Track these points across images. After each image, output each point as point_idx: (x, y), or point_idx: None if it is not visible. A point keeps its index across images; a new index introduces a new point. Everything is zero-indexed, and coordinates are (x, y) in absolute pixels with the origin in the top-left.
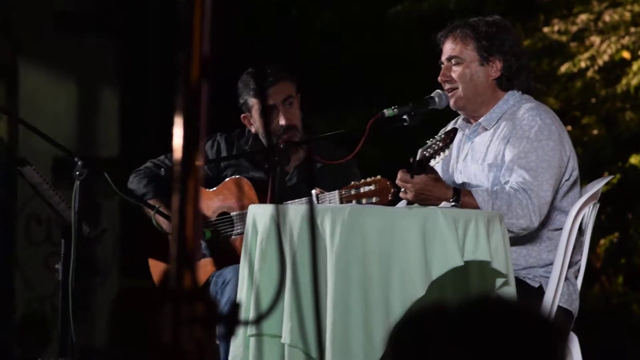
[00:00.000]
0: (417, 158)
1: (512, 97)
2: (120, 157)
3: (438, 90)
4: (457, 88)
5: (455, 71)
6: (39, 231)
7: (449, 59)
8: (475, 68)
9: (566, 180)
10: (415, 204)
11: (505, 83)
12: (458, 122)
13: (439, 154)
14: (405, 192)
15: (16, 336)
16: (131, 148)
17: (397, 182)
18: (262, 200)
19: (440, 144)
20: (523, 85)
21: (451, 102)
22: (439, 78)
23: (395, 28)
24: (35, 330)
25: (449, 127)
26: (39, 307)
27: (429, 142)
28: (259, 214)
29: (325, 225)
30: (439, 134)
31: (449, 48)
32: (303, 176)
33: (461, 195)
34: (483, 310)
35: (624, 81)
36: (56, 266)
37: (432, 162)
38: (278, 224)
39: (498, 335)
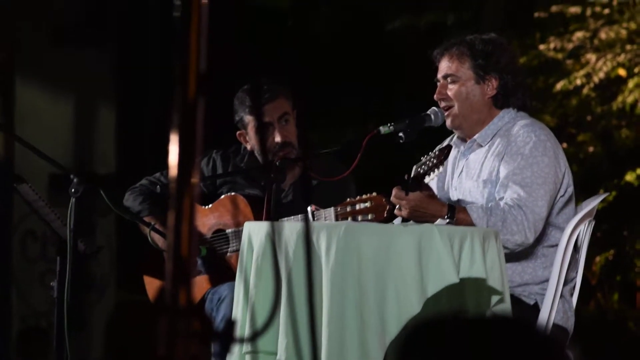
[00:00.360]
0: (412, 175)
1: (507, 114)
2: (117, 174)
3: (434, 108)
4: (452, 106)
5: (451, 89)
6: (35, 248)
7: (445, 77)
8: (471, 86)
9: (561, 197)
10: (411, 221)
11: (501, 101)
12: (453, 139)
13: (434, 171)
14: (400, 209)
15: (14, 350)
16: (127, 165)
17: (392, 199)
18: (257, 217)
19: (435, 161)
20: (519, 103)
21: (447, 122)
22: (435, 96)
23: (393, 43)
24: (33, 344)
25: (445, 144)
26: (35, 323)
27: (423, 159)
28: (255, 231)
29: (321, 242)
30: (434, 151)
31: (445, 66)
32: (299, 193)
33: (456, 212)
34: (487, 326)
35: (619, 98)
36: (52, 283)
37: (427, 179)
38: (273, 241)
39: (504, 353)
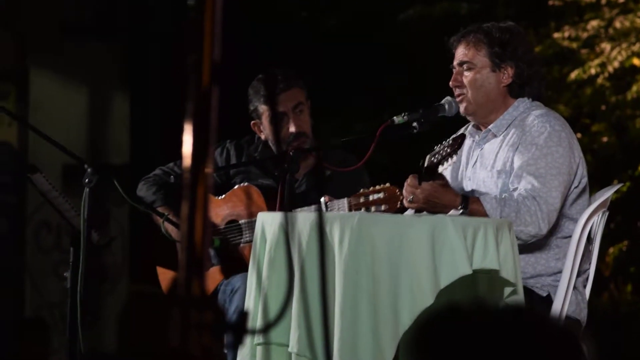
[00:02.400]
0: (425, 164)
1: (522, 104)
2: (130, 164)
3: (448, 98)
4: (467, 93)
5: (467, 76)
6: (49, 238)
7: (461, 63)
8: (487, 74)
9: (575, 188)
10: (424, 212)
11: (516, 90)
12: (468, 128)
13: (447, 160)
14: (411, 200)
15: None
16: (141, 155)
17: (405, 187)
18: (270, 207)
19: (448, 150)
20: (534, 92)
21: (461, 108)
22: (450, 83)
23: (406, 32)
24: (37, 332)
25: (459, 133)
26: (48, 314)
27: (436, 148)
28: (268, 222)
29: (334, 233)
30: (447, 140)
31: (461, 53)
32: (312, 184)
33: (469, 202)
34: (502, 316)
35: (634, 88)
36: (65, 274)
37: (440, 168)
38: (287, 231)
39: (527, 348)
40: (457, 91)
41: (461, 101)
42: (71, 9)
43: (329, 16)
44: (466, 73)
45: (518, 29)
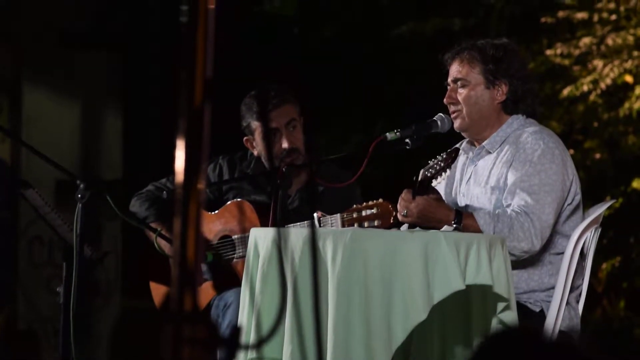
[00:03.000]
0: (419, 178)
1: (516, 121)
2: (123, 179)
3: (440, 114)
4: (461, 110)
5: (461, 93)
6: (41, 253)
7: (455, 80)
8: (481, 91)
9: (568, 204)
10: (417, 228)
11: (510, 107)
12: (463, 144)
13: (441, 174)
14: (405, 214)
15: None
16: (134, 170)
17: (400, 201)
18: (263, 223)
19: (442, 164)
20: (528, 109)
21: (455, 124)
22: (445, 100)
23: (399, 48)
24: (27, 344)
25: (453, 148)
26: (41, 328)
27: (430, 163)
28: (261, 237)
29: (327, 248)
30: (441, 155)
31: (455, 70)
32: (305, 199)
33: (463, 217)
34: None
35: (626, 105)
36: (57, 289)
37: (434, 183)
38: (280, 247)
39: None
40: (451, 108)
41: (456, 118)
42: (66, 23)
43: (321, 31)
44: (460, 90)
45: (512, 46)
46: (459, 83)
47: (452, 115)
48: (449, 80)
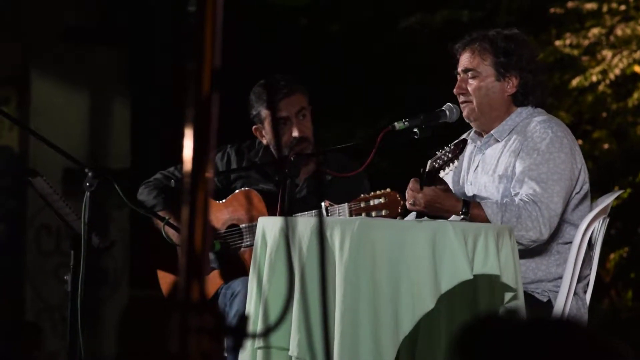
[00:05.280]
0: (427, 169)
1: (524, 110)
2: (131, 168)
3: (449, 104)
4: (471, 101)
5: (471, 84)
6: (49, 241)
7: (466, 71)
8: (491, 83)
9: (577, 193)
10: (425, 217)
11: (520, 99)
12: (470, 133)
13: (449, 165)
14: (413, 203)
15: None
16: (142, 159)
17: (408, 192)
18: (271, 212)
19: (450, 155)
20: (538, 101)
21: (464, 114)
22: (455, 90)
23: (407, 40)
24: (31, 336)
25: (461, 138)
26: (48, 317)
27: (438, 153)
28: (268, 226)
29: (335, 237)
30: (449, 145)
31: (466, 60)
32: (313, 188)
33: (470, 207)
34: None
35: (635, 95)
36: (65, 277)
37: (442, 173)
38: (287, 236)
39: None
40: (461, 98)
41: (465, 108)
42: (73, 14)
43: (330, 23)
44: (471, 81)
45: (523, 37)
46: (469, 74)
47: (462, 106)
48: (459, 69)
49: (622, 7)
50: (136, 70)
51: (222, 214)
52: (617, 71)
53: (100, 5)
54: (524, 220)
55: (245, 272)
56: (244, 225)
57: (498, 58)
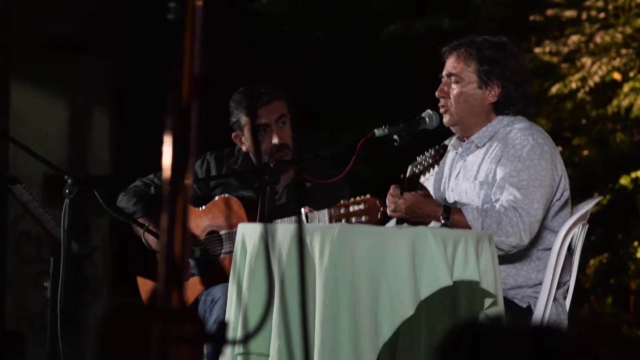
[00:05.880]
0: (407, 174)
1: (505, 118)
2: (111, 175)
3: (429, 111)
4: (451, 106)
5: (453, 89)
6: (30, 249)
7: (449, 75)
8: (473, 90)
9: (557, 200)
10: (405, 224)
11: (501, 108)
12: (452, 140)
13: (429, 170)
14: (394, 209)
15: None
16: (122, 166)
17: (388, 197)
18: (251, 219)
19: (430, 160)
20: (520, 112)
21: (444, 119)
22: (437, 93)
23: (388, 47)
24: (13, 344)
25: (441, 144)
26: (28, 325)
27: (418, 159)
28: (248, 233)
29: (315, 244)
30: (429, 151)
31: (450, 65)
32: (292, 195)
33: (451, 213)
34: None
35: (614, 102)
36: (45, 284)
37: (422, 179)
38: (267, 242)
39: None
40: (441, 102)
41: (445, 112)
42: (55, 22)
43: (313, 30)
44: (453, 85)
45: (512, 47)
46: (452, 78)
47: (441, 110)
48: (444, 73)
49: (602, 15)
50: (116, 77)
51: (201, 220)
52: (596, 78)
53: (81, 14)
54: (505, 226)
55: (225, 279)
56: (223, 232)
57: (482, 66)
